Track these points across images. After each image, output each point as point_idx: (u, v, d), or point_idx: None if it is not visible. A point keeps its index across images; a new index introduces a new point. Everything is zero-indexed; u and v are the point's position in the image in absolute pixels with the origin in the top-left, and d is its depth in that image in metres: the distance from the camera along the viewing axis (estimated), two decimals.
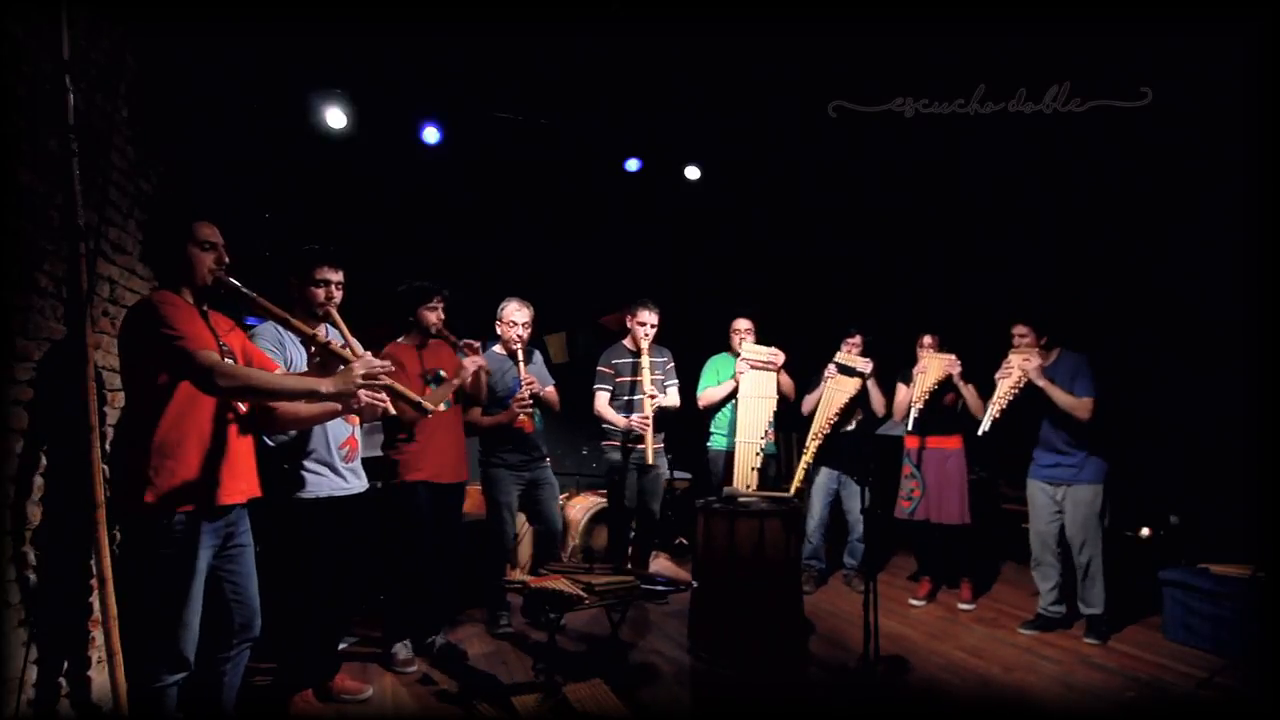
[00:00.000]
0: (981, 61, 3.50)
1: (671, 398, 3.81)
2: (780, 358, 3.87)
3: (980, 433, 3.37)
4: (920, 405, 3.70)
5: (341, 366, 2.00)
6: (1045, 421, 3.38)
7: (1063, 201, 4.50)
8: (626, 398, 3.72)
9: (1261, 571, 2.97)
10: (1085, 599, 3.28)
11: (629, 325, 3.75)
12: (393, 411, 2.37)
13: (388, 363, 2.00)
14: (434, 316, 3.03)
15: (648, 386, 3.59)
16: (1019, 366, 3.29)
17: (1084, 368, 3.27)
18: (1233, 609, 3.01)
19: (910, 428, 3.77)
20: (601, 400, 3.73)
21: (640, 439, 3.60)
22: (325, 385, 1.91)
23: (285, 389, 1.97)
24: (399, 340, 3.09)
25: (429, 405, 2.22)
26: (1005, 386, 3.32)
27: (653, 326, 3.67)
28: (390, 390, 2.03)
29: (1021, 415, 3.46)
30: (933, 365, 3.74)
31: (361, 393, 2.19)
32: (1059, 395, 3.21)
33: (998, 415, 3.31)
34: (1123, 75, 3.27)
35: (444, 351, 3.13)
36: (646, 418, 3.56)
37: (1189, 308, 4.00)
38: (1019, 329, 3.36)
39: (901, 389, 3.91)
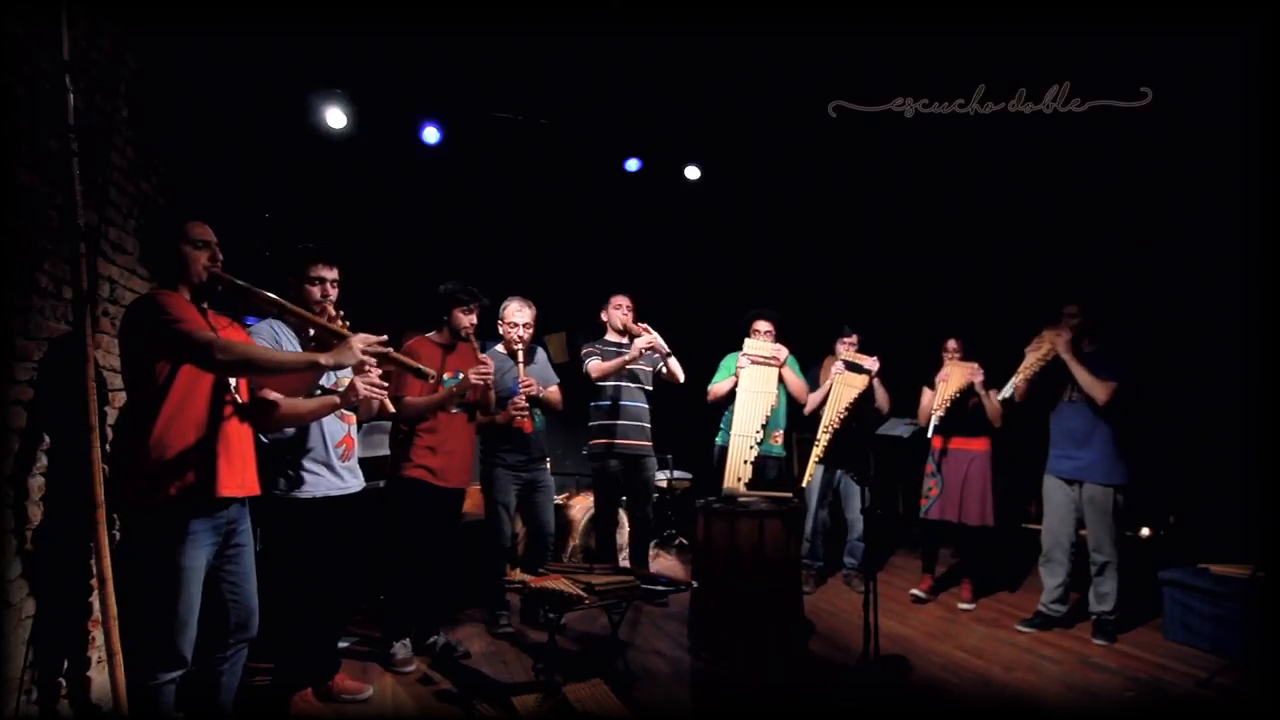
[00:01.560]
0: (981, 61, 3.50)
1: (676, 368, 3.80)
2: (783, 354, 3.88)
3: (1000, 398, 3.41)
4: (941, 413, 3.71)
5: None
6: (1063, 415, 3.38)
7: (1062, 201, 4.50)
8: (613, 383, 3.73)
9: (1261, 571, 2.97)
10: (1097, 597, 3.28)
11: (604, 318, 3.84)
12: (390, 408, 2.37)
13: (384, 336, 2.04)
14: (467, 320, 3.05)
15: (639, 331, 3.62)
16: (1049, 340, 3.30)
17: (1121, 356, 3.26)
18: (1233, 609, 3.01)
19: (931, 434, 3.77)
20: (594, 362, 3.74)
21: (639, 435, 3.62)
22: (324, 357, 1.94)
23: (285, 363, 1.99)
24: (427, 335, 3.11)
25: (430, 372, 2.24)
26: (1032, 358, 3.34)
27: (629, 309, 3.75)
28: (389, 358, 2.06)
29: (1022, 417, 3.47)
30: (955, 373, 3.76)
31: (359, 385, 2.21)
32: (1081, 374, 3.20)
33: (1020, 384, 3.33)
34: (1123, 75, 3.27)
35: (469, 356, 3.11)
36: (647, 337, 3.58)
37: (1189, 307, 4.00)
38: (1070, 308, 3.34)
39: (926, 393, 3.92)
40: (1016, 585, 4.15)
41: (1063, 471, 3.38)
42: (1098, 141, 3.86)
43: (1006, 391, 3.37)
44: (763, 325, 3.98)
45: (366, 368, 2.22)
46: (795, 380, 3.99)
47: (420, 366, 2.18)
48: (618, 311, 3.76)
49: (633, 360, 3.62)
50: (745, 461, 3.70)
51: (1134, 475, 3.26)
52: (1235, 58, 3.17)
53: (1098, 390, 3.18)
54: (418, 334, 3.18)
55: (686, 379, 3.89)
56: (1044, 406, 3.43)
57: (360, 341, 1.96)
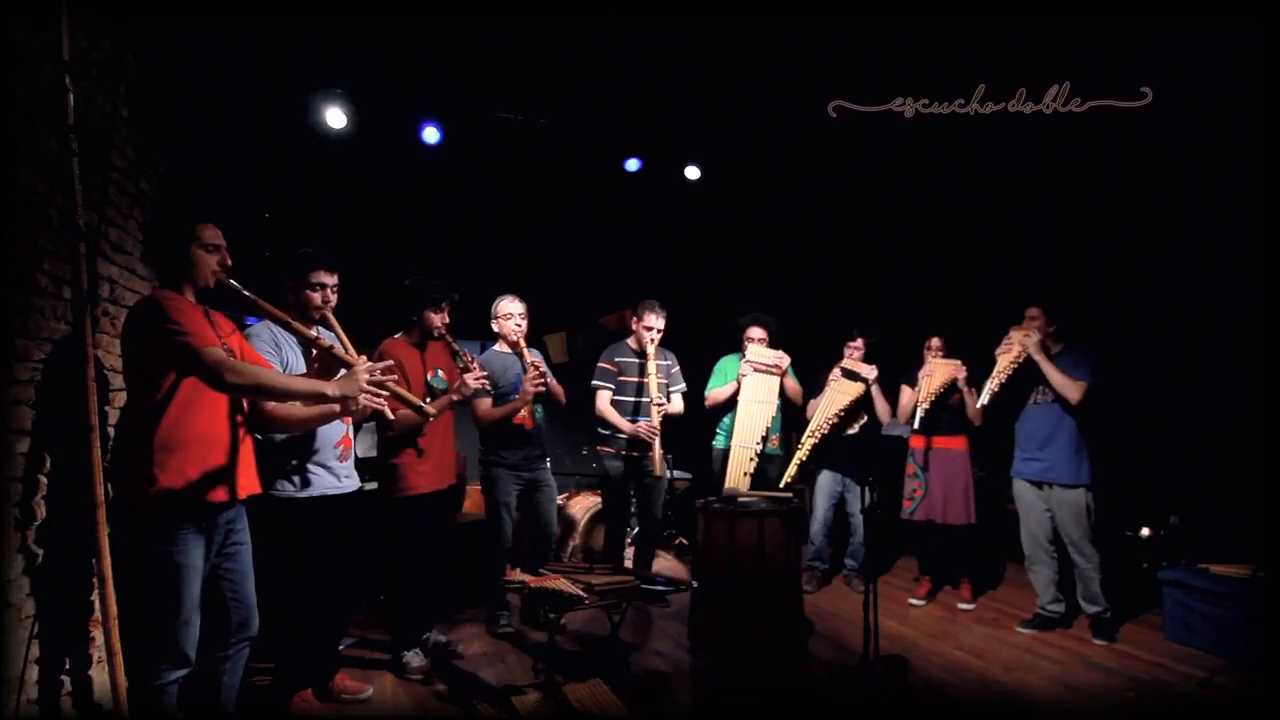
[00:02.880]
0: (981, 61, 3.50)
1: (675, 404, 3.77)
2: (785, 361, 3.87)
3: (979, 405, 3.42)
4: (926, 407, 3.70)
5: (343, 370, 2.04)
6: (1028, 416, 3.40)
7: (1062, 201, 4.50)
8: (631, 399, 3.67)
9: (1261, 571, 2.97)
10: (1086, 599, 3.29)
11: (634, 328, 3.70)
12: (389, 414, 2.36)
13: (390, 363, 2.05)
14: (439, 320, 2.98)
15: (654, 393, 3.54)
16: (1019, 341, 3.31)
17: (1088, 356, 3.27)
18: (1233, 609, 3.01)
19: (916, 429, 3.76)
20: (604, 399, 3.67)
21: (646, 445, 3.57)
22: (331, 388, 1.94)
23: (293, 389, 1.99)
24: (398, 336, 3.02)
25: (430, 410, 2.24)
26: (1004, 361, 3.35)
27: (659, 332, 3.62)
28: (393, 394, 2.06)
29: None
30: (938, 370, 3.76)
31: (362, 396, 2.21)
32: (1053, 373, 3.22)
33: (996, 389, 3.36)
34: (1123, 75, 3.27)
35: (445, 353, 3.10)
36: (655, 428, 3.52)
37: (1189, 307, 4.00)
38: (1031, 310, 3.36)
39: (905, 391, 3.92)
40: (1015, 585, 4.15)
41: (1030, 474, 3.39)
42: (1097, 141, 3.86)
43: (984, 399, 3.39)
44: (757, 332, 3.94)
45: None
46: (793, 385, 3.98)
47: (420, 405, 2.19)
48: (647, 334, 3.60)
49: (633, 432, 3.59)
50: (745, 474, 3.69)
51: (1125, 476, 3.27)
52: (1235, 58, 3.16)
53: (1070, 390, 3.19)
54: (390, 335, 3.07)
55: (686, 380, 3.90)
56: (1011, 409, 3.44)
57: (365, 373, 1.97)
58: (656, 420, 3.54)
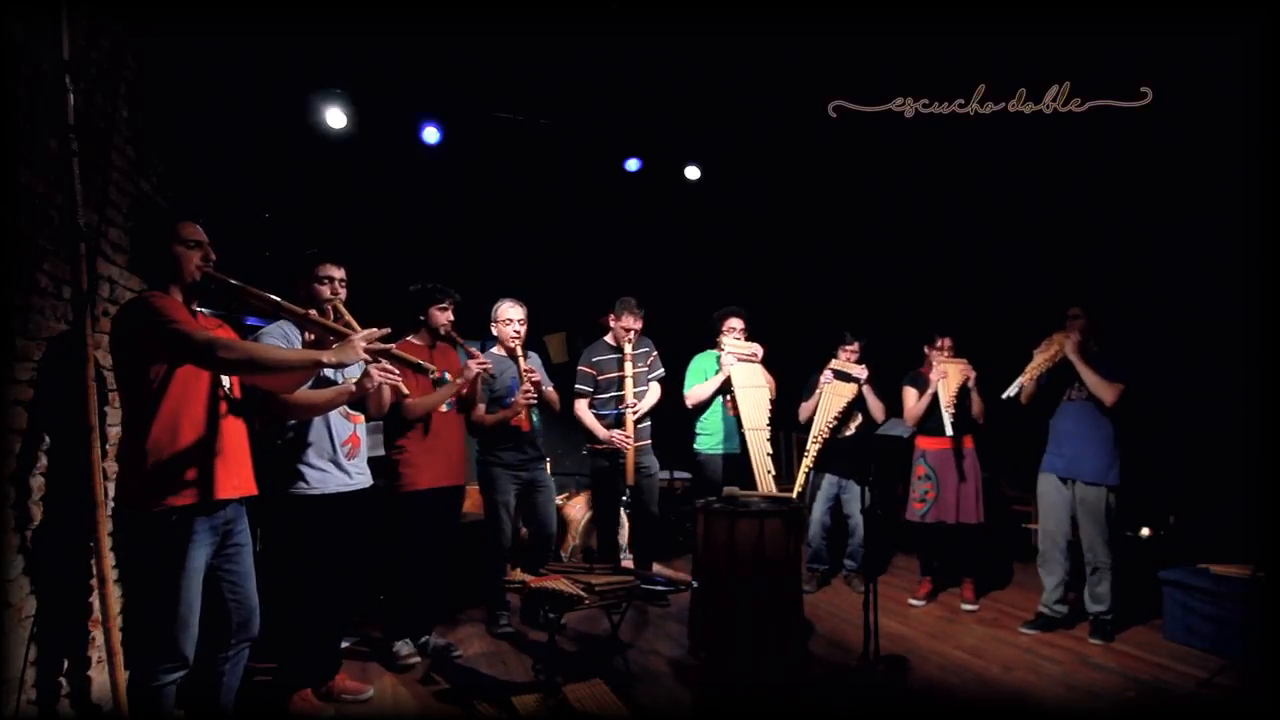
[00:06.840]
0: (981, 61, 3.50)
1: (653, 393, 3.79)
2: (760, 352, 3.90)
3: (1004, 395, 3.38)
4: (952, 413, 3.67)
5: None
6: (1062, 414, 3.38)
7: (1062, 201, 4.50)
8: (613, 395, 3.70)
9: (1261, 571, 2.97)
10: (1092, 598, 3.28)
11: (611, 325, 3.75)
12: (404, 390, 2.32)
13: (387, 330, 2.04)
14: (444, 318, 3.07)
15: (630, 398, 3.59)
16: (1058, 341, 3.31)
17: (1126, 358, 3.26)
18: (1233, 609, 3.01)
19: (949, 432, 3.68)
20: (581, 406, 3.73)
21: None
22: (327, 355, 1.94)
23: (287, 361, 1.99)
24: (409, 339, 3.10)
25: (430, 367, 2.25)
26: (1040, 359, 3.34)
27: (636, 332, 3.67)
28: (391, 355, 2.07)
29: (1029, 417, 3.47)
30: (953, 371, 3.76)
31: (374, 372, 2.21)
32: (1089, 374, 3.21)
33: (1027, 384, 3.33)
34: (1123, 75, 3.27)
35: (452, 355, 3.16)
36: (629, 436, 3.56)
37: (1188, 307, 4.00)
38: (1073, 310, 3.35)
39: (910, 392, 3.90)
40: (1019, 586, 4.15)
41: (1056, 469, 3.38)
42: (1097, 141, 3.86)
43: (1012, 390, 3.36)
44: (738, 323, 3.95)
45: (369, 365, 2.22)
46: (766, 375, 3.98)
47: (421, 362, 2.20)
48: (625, 333, 3.66)
49: (607, 440, 3.63)
50: (768, 454, 3.72)
51: (1126, 476, 3.26)
52: (1235, 58, 3.16)
53: (1105, 391, 3.18)
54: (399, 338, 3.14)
55: (679, 381, 3.90)
56: (1043, 406, 3.43)
57: (362, 339, 1.97)
58: (630, 425, 3.57)
